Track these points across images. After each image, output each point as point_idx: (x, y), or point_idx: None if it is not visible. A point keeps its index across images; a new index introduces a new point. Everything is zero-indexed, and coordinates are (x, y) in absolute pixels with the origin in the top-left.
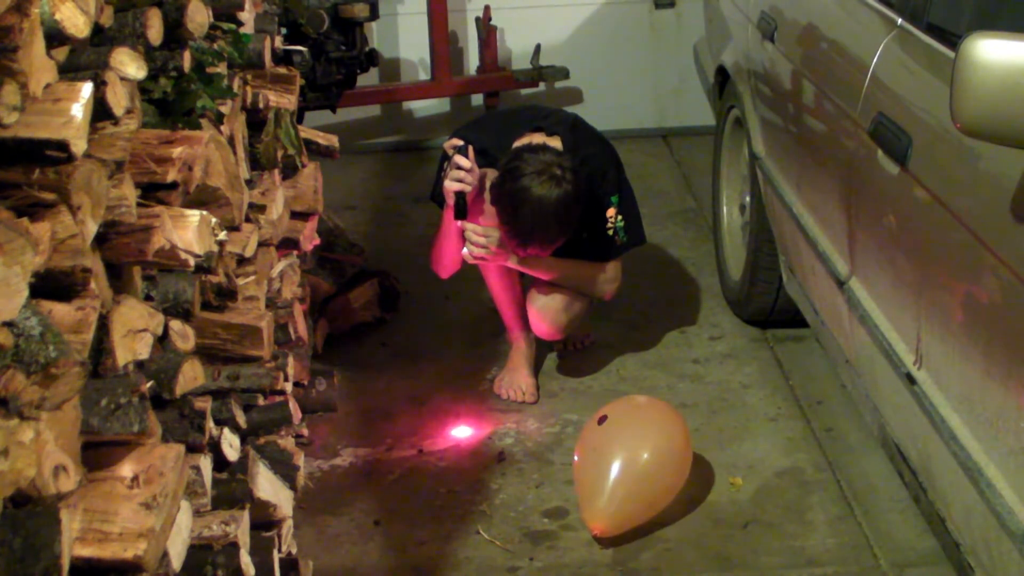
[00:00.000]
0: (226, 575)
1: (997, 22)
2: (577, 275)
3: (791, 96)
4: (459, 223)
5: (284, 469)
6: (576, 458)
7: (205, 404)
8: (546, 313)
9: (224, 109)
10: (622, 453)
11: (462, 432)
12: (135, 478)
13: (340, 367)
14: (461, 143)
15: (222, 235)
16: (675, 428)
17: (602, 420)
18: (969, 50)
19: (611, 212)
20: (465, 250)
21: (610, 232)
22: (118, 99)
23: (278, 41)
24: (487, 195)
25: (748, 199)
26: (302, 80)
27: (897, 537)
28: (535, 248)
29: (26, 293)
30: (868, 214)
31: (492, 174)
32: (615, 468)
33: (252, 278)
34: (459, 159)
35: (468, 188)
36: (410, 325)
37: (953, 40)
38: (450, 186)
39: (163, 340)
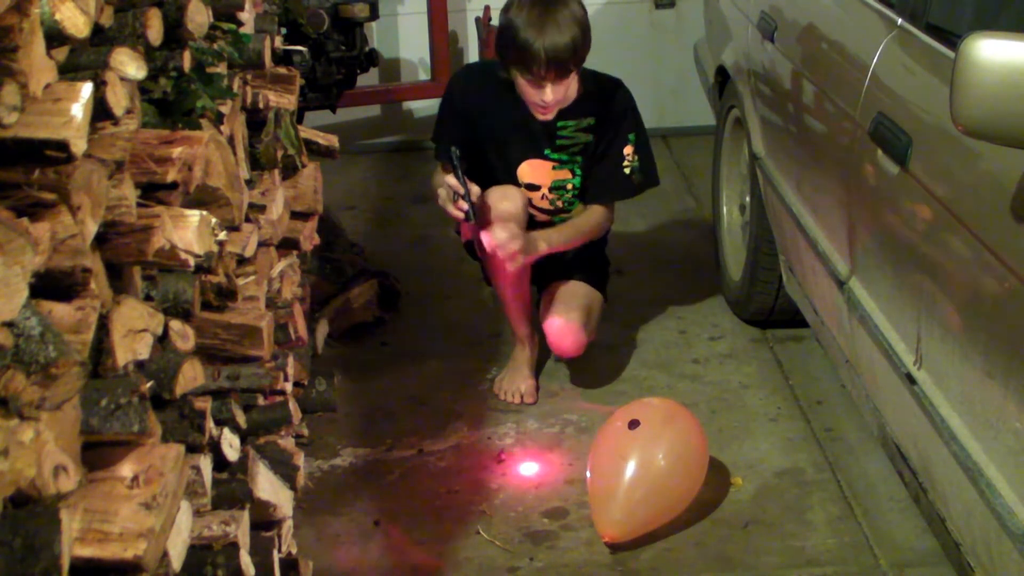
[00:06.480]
0: (226, 575)
1: (997, 22)
2: (589, 229)
3: (791, 96)
4: (482, 235)
5: (284, 469)
6: (591, 464)
7: (205, 404)
8: (567, 332)
9: (224, 109)
10: (665, 461)
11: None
12: (135, 478)
13: (340, 367)
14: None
15: (222, 235)
16: (699, 434)
17: (633, 424)
18: (969, 50)
19: (628, 150)
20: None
21: (627, 171)
22: (118, 99)
23: (278, 41)
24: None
25: (748, 199)
26: (302, 80)
27: (897, 537)
28: (553, 70)
29: (26, 293)
30: (868, 214)
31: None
32: (654, 477)
33: (252, 278)
34: (452, 183)
35: (465, 208)
36: (410, 325)
37: (953, 40)
38: (457, 214)
39: (163, 340)
